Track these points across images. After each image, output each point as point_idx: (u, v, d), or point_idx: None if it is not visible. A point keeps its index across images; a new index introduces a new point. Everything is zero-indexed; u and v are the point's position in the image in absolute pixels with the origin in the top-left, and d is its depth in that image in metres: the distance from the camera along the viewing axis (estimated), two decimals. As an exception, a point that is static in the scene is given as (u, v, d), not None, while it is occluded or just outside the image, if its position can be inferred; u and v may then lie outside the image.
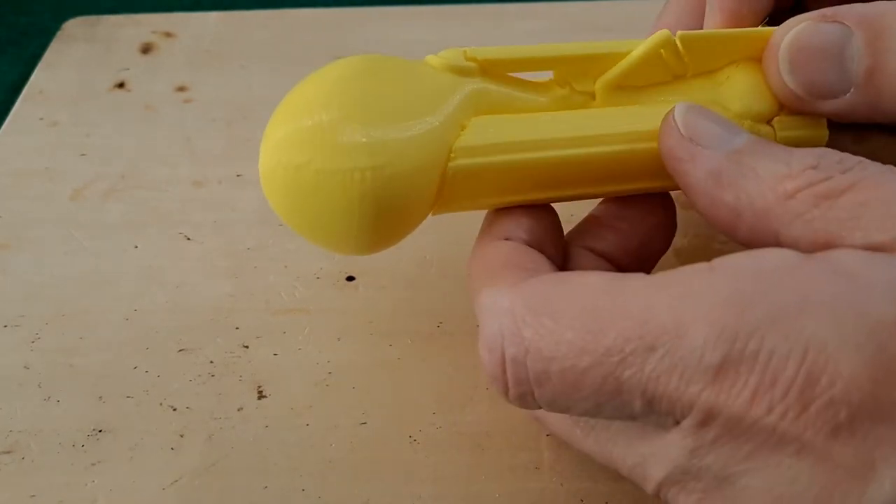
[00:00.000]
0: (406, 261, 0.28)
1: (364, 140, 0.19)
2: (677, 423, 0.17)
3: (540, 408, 0.19)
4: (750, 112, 0.22)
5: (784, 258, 0.17)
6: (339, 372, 0.25)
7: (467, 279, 0.21)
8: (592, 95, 0.23)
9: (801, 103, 0.21)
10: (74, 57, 0.38)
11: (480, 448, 0.23)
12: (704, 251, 0.29)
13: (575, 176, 0.21)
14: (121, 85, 0.36)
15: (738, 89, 0.22)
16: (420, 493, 0.23)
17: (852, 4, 0.21)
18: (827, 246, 0.17)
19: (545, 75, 0.23)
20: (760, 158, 0.19)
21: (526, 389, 0.18)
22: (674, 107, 0.20)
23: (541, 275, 0.19)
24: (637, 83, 0.23)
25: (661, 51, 0.22)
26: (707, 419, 0.16)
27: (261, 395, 0.25)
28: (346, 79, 0.20)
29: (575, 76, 0.22)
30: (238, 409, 0.25)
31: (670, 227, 0.23)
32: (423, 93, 0.21)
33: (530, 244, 0.21)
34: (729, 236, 0.19)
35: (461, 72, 0.21)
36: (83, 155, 0.33)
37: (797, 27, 0.21)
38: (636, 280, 0.17)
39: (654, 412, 0.17)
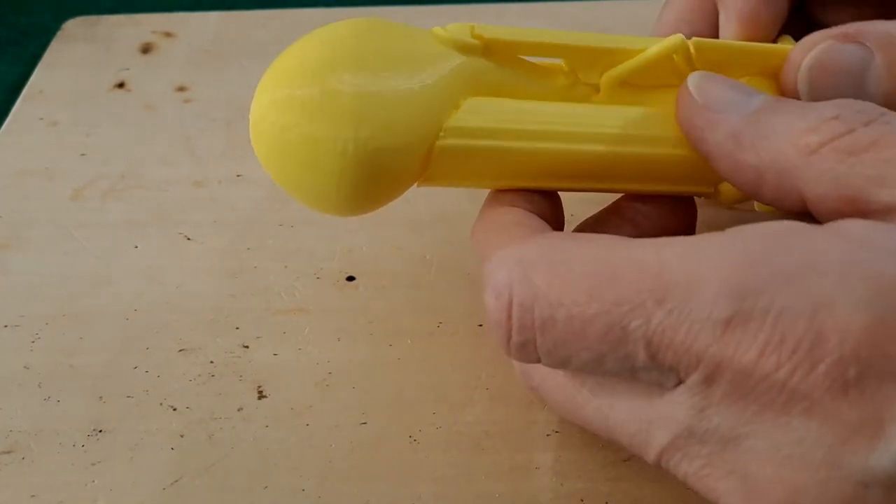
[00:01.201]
0: (406, 261, 0.28)
1: (351, 112, 0.19)
2: (680, 382, 0.17)
3: (538, 360, 0.18)
4: None
5: (794, 225, 0.17)
6: (339, 372, 0.25)
7: (474, 243, 0.21)
8: (597, 88, 0.22)
9: None
10: (74, 57, 0.38)
11: (480, 448, 0.23)
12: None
13: (566, 171, 0.21)
14: (121, 85, 0.36)
15: None
16: (420, 493, 0.23)
17: (874, 22, 0.20)
18: (853, 202, 0.17)
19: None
20: (779, 115, 0.19)
21: (529, 337, 0.18)
22: (687, 77, 0.20)
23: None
24: (644, 83, 0.22)
25: (674, 55, 0.22)
26: (714, 375, 0.16)
27: (261, 395, 0.25)
28: (343, 43, 0.20)
29: (582, 66, 0.22)
30: (238, 409, 0.25)
31: (690, 232, 0.23)
32: (420, 65, 0.21)
33: (535, 214, 0.21)
34: (755, 199, 0.20)
35: (464, 48, 0.21)
36: (83, 155, 0.33)
37: (819, 46, 0.21)
38: (649, 241, 0.17)
39: (657, 367, 0.17)
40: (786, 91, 0.21)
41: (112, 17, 0.40)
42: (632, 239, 0.18)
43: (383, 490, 0.23)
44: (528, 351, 0.18)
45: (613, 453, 0.23)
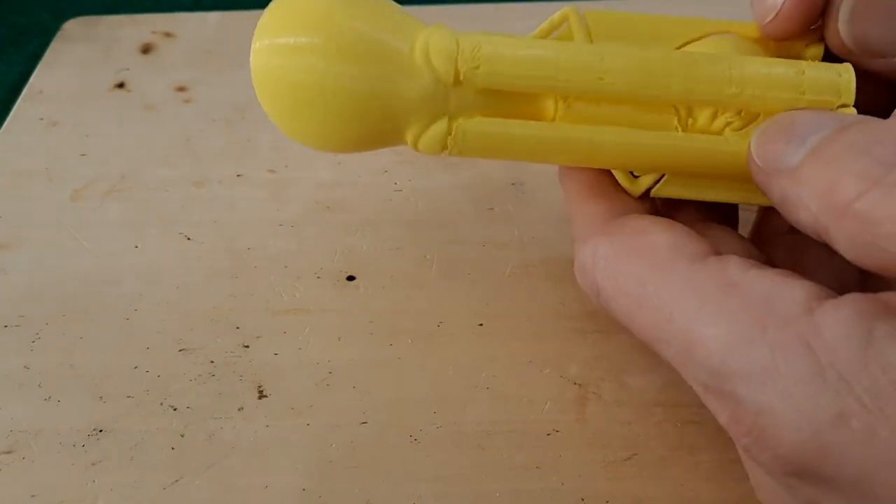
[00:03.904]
0: (406, 261, 0.28)
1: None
2: None
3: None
4: None
5: (793, 304, 0.17)
6: (339, 372, 0.25)
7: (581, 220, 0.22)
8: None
9: (850, 56, 0.21)
10: (74, 57, 0.38)
11: (481, 448, 0.23)
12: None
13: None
14: (121, 85, 0.36)
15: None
16: (420, 493, 0.23)
17: None
18: (887, 270, 0.16)
19: None
20: (817, 164, 0.17)
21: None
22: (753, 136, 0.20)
23: (628, 217, 0.21)
24: None
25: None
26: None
27: (261, 395, 0.25)
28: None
29: None
30: (238, 409, 0.25)
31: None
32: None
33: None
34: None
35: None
36: (83, 155, 0.33)
37: None
38: (683, 263, 0.19)
39: None
40: (828, 20, 0.21)
41: (112, 17, 0.40)
42: (677, 250, 0.19)
43: (383, 490, 0.23)
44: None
45: (613, 453, 0.23)
